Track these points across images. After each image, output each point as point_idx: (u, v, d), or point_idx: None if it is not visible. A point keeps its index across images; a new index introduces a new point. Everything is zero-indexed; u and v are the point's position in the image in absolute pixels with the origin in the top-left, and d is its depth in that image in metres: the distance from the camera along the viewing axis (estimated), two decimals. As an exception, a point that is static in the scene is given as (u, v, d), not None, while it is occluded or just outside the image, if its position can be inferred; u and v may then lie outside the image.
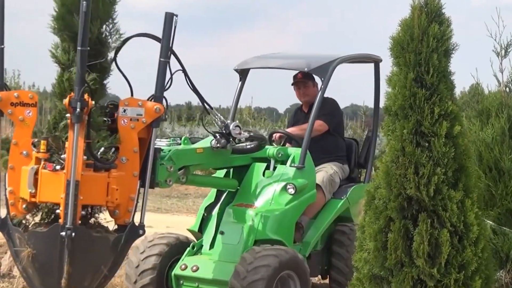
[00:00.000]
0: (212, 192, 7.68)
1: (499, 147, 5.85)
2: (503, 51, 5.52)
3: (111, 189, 5.40)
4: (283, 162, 7.46)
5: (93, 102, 5.38)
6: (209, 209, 7.54)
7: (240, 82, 8.41)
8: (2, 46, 5.63)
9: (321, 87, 7.72)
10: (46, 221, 5.70)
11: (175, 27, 5.62)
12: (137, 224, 5.57)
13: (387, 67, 4.55)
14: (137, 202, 5.56)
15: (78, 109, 5.19)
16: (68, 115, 5.29)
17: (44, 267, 5.32)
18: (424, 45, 4.37)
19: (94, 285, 5.45)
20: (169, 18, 5.57)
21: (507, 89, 5.81)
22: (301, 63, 8.06)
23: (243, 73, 8.42)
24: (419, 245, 4.25)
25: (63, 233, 5.11)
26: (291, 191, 7.16)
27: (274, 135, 8.10)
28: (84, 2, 5.13)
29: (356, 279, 4.54)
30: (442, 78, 4.38)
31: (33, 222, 5.74)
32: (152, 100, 5.61)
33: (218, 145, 6.84)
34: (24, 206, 5.47)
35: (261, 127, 35.73)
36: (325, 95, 8.05)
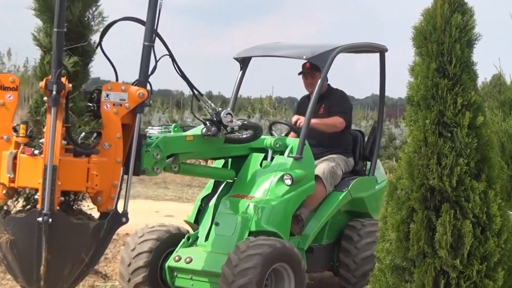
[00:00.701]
0: (210, 182, 7.74)
1: None
2: None
3: (91, 174, 5.41)
4: (281, 153, 7.46)
5: (71, 86, 5.35)
6: (206, 200, 7.57)
7: (241, 72, 8.46)
8: (62, 30, 5.47)
9: (321, 76, 7.75)
10: (28, 207, 5.68)
11: (159, 10, 5.65)
12: (120, 211, 5.58)
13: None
14: (121, 189, 5.60)
15: (54, 92, 5.19)
16: (45, 98, 5.32)
17: (23, 253, 5.33)
18: (446, 35, 4.35)
19: (74, 273, 5.44)
20: (154, 2, 5.62)
21: (530, 79, 5.83)
22: (301, 52, 8.03)
23: (244, 62, 8.49)
24: (442, 236, 4.25)
25: (40, 219, 5.13)
26: (288, 182, 7.15)
27: (298, 122, 7.94)
28: None
29: (378, 270, 4.54)
30: (465, 68, 4.37)
31: (14, 209, 5.73)
32: (136, 85, 5.64)
33: (208, 132, 6.81)
34: (4, 191, 5.51)
35: (282, 116, 35.90)
36: (336, 87, 8.38)
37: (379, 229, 4.58)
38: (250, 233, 6.94)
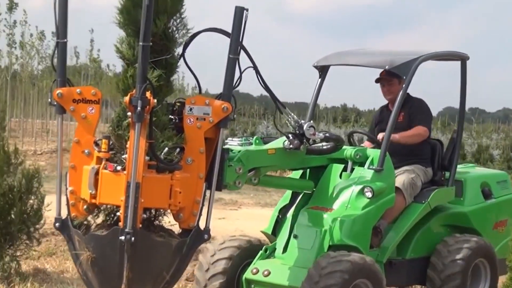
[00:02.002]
0: (287, 193, 7.57)
1: None
2: None
3: (174, 191, 5.25)
4: (361, 164, 7.28)
5: (155, 101, 5.22)
6: (283, 211, 7.44)
7: (320, 79, 8.26)
8: (65, 40, 5.48)
9: (403, 86, 7.50)
10: (108, 223, 5.59)
11: (245, 21, 5.49)
12: (202, 228, 5.45)
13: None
14: (203, 205, 5.43)
15: (139, 108, 5.06)
16: (129, 113, 5.18)
17: (104, 271, 5.23)
18: None
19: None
20: (239, 12, 5.44)
21: None
22: (382, 61, 7.78)
23: (323, 70, 8.25)
24: None
25: (122, 238, 5.01)
26: (369, 194, 6.97)
27: (379, 137, 7.73)
28: None
29: (509, 279, 4.56)
30: None
31: (94, 224, 5.62)
32: (220, 98, 5.47)
33: (291, 146, 6.68)
34: (85, 207, 5.38)
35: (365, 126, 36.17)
36: (415, 96, 8.11)
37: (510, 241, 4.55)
38: (330, 247, 6.80)
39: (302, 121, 6.81)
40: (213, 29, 5.77)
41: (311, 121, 6.98)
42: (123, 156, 5.28)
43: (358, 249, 6.79)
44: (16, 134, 29.85)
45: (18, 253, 8.36)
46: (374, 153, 7.26)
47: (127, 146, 5.26)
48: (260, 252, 7.06)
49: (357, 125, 40.75)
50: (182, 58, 5.98)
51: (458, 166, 9.64)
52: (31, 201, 8.43)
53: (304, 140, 6.75)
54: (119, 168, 5.18)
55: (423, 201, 7.52)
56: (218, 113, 5.37)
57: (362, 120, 45.49)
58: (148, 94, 5.12)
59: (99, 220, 5.66)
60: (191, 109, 5.37)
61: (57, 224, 5.40)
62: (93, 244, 5.20)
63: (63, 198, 5.50)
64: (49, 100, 5.51)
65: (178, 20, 5.74)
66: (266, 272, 6.82)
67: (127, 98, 5.13)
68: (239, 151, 6.31)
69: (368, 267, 6.58)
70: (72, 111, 5.35)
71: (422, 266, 7.53)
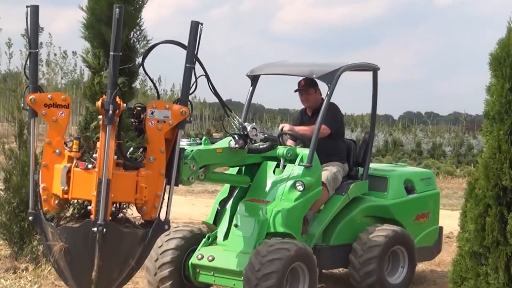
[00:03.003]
0: (226, 187, 7.39)
1: None
2: None
3: (139, 187, 5.07)
4: (292, 161, 7.09)
5: (125, 105, 5.08)
6: (223, 203, 7.23)
7: (251, 87, 8.00)
8: (36, 51, 5.29)
9: (327, 93, 7.31)
10: (77, 216, 5.46)
11: (200, 35, 5.25)
12: (162, 219, 5.26)
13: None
14: (163, 199, 5.28)
15: (110, 112, 4.88)
16: (100, 116, 4.98)
17: (75, 260, 4.98)
18: None
19: (122, 276, 5.18)
20: (195, 27, 5.21)
21: None
22: (309, 70, 7.63)
23: (254, 79, 8.01)
24: None
25: (95, 229, 4.82)
26: (300, 188, 6.81)
27: (284, 131, 7.58)
28: (117, 9, 4.82)
29: (459, 255, 4.54)
30: None
31: (64, 216, 5.45)
32: (178, 103, 5.29)
33: (236, 145, 6.57)
34: (56, 202, 5.13)
35: (379, 131, 36.29)
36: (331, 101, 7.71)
37: (460, 223, 4.56)
38: (268, 234, 6.66)
39: (246, 124, 6.72)
40: (170, 41, 5.49)
41: (254, 123, 6.89)
42: (94, 156, 5.08)
43: (292, 236, 6.68)
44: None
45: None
46: (303, 152, 7.11)
47: (97, 146, 5.09)
48: (203, 239, 6.87)
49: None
50: (142, 67, 5.78)
51: (389, 164, 9.77)
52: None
53: (248, 140, 6.68)
54: (90, 166, 5.00)
55: (343, 193, 7.39)
56: (177, 116, 5.19)
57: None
58: (118, 99, 4.97)
59: (67, 213, 5.57)
60: (152, 113, 5.15)
61: (30, 218, 5.16)
62: (66, 235, 4.94)
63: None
64: (22, 105, 5.36)
65: (138, 32, 5.64)
66: (210, 258, 6.66)
67: (99, 103, 4.93)
68: (192, 150, 6.17)
69: (303, 252, 6.49)
70: (44, 115, 5.14)
71: (345, 252, 7.30)
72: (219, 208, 7.24)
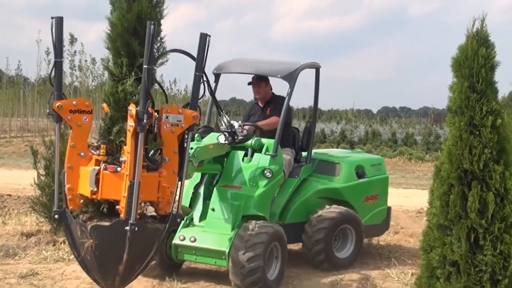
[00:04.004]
0: (197, 174, 7.04)
1: None
2: None
3: (162, 186, 4.83)
4: (257, 150, 6.88)
5: (156, 114, 4.76)
6: (196, 188, 6.96)
7: (215, 84, 7.60)
8: (61, 60, 4.91)
9: (288, 90, 7.06)
10: (103, 213, 5.01)
11: (208, 46, 4.94)
12: (174, 213, 4.99)
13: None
14: (176, 194, 4.99)
15: (144, 121, 4.58)
16: (131, 124, 4.63)
17: (104, 255, 4.71)
18: (475, 63, 4.37)
19: (142, 267, 4.96)
20: (203, 38, 4.91)
21: (536, 93, 5.78)
22: (275, 71, 7.29)
23: (217, 76, 7.62)
24: (472, 203, 4.29)
25: (128, 228, 4.54)
26: (269, 175, 6.65)
27: (245, 126, 7.12)
28: (152, 26, 4.53)
29: (427, 227, 4.54)
30: (489, 86, 4.37)
31: (84, 216, 5.07)
32: (187, 107, 4.99)
33: (226, 142, 6.47)
34: (82, 201, 4.82)
35: (360, 123, 36.37)
36: (279, 94, 7.65)
37: (428, 201, 4.54)
38: (243, 217, 6.47)
39: (233, 122, 6.59)
40: (178, 51, 5.16)
41: (240, 122, 6.74)
42: (122, 159, 4.75)
43: (264, 218, 6.56)
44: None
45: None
46: (267, 142, 6.93)
47: (123, 149, 4.78)
48: (182, 222, 6.55)
49: (320, 120, 40.50)
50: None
51: (346, 150, 9.53)
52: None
53: (235, 136, 6.57)
54: (118, 169, 4.71)
55: (296, 176, 7.22)
56: (189, 120, 4.90)
57: (324, 117, 45.18)
58: (149, 109, 4.70)
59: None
60: (167, 117, 4.83)
61: (56, 216, 4.83)
62: (96, 233, 4.66)
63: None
64: (47, 111, 4.97)
65: (158, 44, 5.26)
66: (192, 239, 6.40)
67: (133, 112, 4.61)
68: (192, 148, 5.85)
69: (277, 233, 6.38)
70: (69, 120, 4.81)
71: (299, 229, 7.07)
72: (193, 192, 6.98)
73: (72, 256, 7.10)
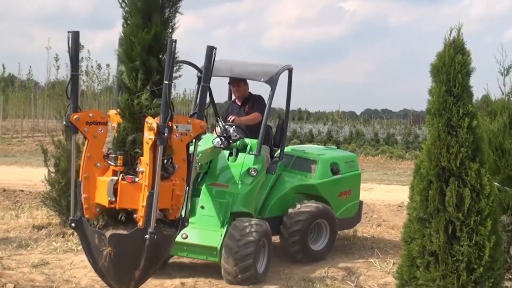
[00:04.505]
0: None
1: (502, 135, 5.72)
2: (505, 72, 5.45)
3: (175, 194, 4.66)
4: (241, 150, 6.75)
5: (176, 127, 4.55)
6: None
7: (197, 86, 7.01)
8: (77, 73, 4.67)
9: (270, 92, 6.83)
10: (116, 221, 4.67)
11: (214, 57, 4.71)
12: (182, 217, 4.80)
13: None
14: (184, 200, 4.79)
15: (165, 134, 4.39)
16: (150, 136, 4.42)
17: (122, 262, 4.49)
18: (452, 68, 4.38)
19: (154, 271, 4.76)
20: (210, 50, 4.70)
21: (508, 97, 5.78)
22: (258, 75, 7.06)
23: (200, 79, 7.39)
24: (450, 198, 4.30)
25: (147, 236, 4.36)
26: (253, 173, 6.53)
27: (230, 120, 7.02)
28: (173, 43, 4.38)
29: (408, 220, 4.54)
30: (465, 90, 4.38)
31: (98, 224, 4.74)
32: (194, 117, 4.73)
33: (222, 145, 6.32)
34: (97, 210, 4.61)
35: (345, 124, 36.45)
36: (256, 93, 7.48)
37: (409, 196, 4.54)
38: (231, 214, 6.30)
39: (227, 127, 6.44)
40: (186, 62, 4.96)
41: (234, 127, 6.54)
42: (140, 170, 4.55)
43: (251, 214, 6.46)
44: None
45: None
46: (251, 142, 6.79)
47: (141, 160, 4.59)
48: None
49: (308, 121, 40.50)
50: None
51: (321, 147, 9.16)
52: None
53: (230, 140, 6.43)
54: (136, 179, 4.51)
55: (273, 173, 7.04)
56: (197, 129, 4.67)
57: (311, 118, 45.20)
58: (169, 123, 4.47)
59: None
60: (177, 127, 4.60)
61: (72, 224, 4.60)
62: (115, 240, 4.44)
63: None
64: (64, 122, 4.73)
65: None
66: (184, 235, 6.12)
67: (155, 126, 4.39)
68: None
69: (266, 230, 6.23)
70: (86, 132, 4.58)
71: (277, 222, 6.89)
72: None
73: (80, 247, 7.16)
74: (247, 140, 6.84)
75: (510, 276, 5.79)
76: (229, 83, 7.58)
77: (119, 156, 4.62)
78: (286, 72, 7.44)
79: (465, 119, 4.35)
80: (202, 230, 6.24)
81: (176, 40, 4.44)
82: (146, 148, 4.49)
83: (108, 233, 4.47)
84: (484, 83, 5.87)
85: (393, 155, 26.27)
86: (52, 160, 8.50)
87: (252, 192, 6.56)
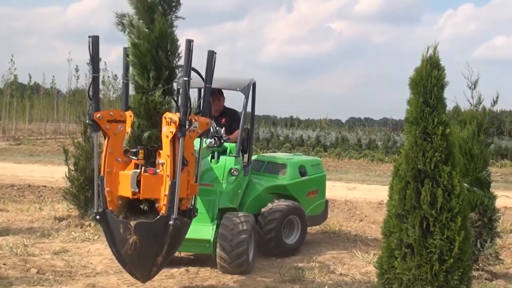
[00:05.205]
0: None
1: (471, 141, 5.74)
2: (472, 86, 5.49)
3: (190, 184, 4.55)
4: (221, 153, 6.56)
5: (195, 121, 4.43)
6: None
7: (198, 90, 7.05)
8: (98, 75, 4.50)
9: (244, 101, 6.56)
10: (128, 214, 4.54)
11: (214, 61, 4.60)
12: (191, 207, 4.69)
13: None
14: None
15: (186, 127, 4.30)
16: (171, 130, 4.31)
17: (146, 248, 4.35)
18: (429, 82, 4.38)
19: (171, 257, 4.63)
20: (211, 55, 4.56)
21: (476, 108, 5.80)
22: (234, 85, 6.75)
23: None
24: (424, 197, 4.28)
25: (171, 222, 4.25)
26: (235, 173, 6.39)
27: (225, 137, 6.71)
28: (191, 42, 4.30)
29: (387, 216, 4.49)
30: (439, 101, 4.38)
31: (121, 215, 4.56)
32: (200, 115, 4.65)
33: (215, 145, 6.30)
34: (120, 202, 4.47)
35: (332, 130, 36.39)
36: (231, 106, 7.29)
37: (388, 194, 4.49)
38: (219, 210, 6.14)
39: (218, 128, 6.39)
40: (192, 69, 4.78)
41: (224, 128, 6.49)
42: (160, 162, 4.42)
43: (236, 209, 6.33)
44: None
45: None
46: (230, 146, 6.63)
47: (160, 153, 4.46)
48: None
49: (299, 128, 40.46)
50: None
51: (289, 154, 9.01)
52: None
53: (221, 140, 6.42)
54: (158, 171, 4.39)
55: (246, 175, 6.78)
56: (203, 126, 4.60)
57: (302, 125, 45.16)
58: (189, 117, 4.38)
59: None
60: (195, 120, 4.50)
61: (97, 217, 4.43)
62: (140, 229, 4.29)
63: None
64: (88, 121, 4.54)
65: (177, 59, 4.80)
66: None
67: (176, 119, 4.29)
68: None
69: (253, 222, 6.08)
70: (107, 129, 4.44)
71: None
72: None
73: (96, 236, 7.16)
74: (226, 144, 6.70)
75: (477, 267, 5.79)
76: (212, 96, 7.12)
77: (140, 150, 4.49)
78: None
79: (439, 127, 4.34)
80: (194, 226, 5.93)
81: (193, 40, 4.33)
82: (166, 141, 4.37)
83: (132, 222, 4.31)
84: (453, 96, 5.93)
85: (374, 158, 26.30)
86: (72, 159, 8.49)
87: (235, 189, 6.44)
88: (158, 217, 4.31)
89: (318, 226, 8.37)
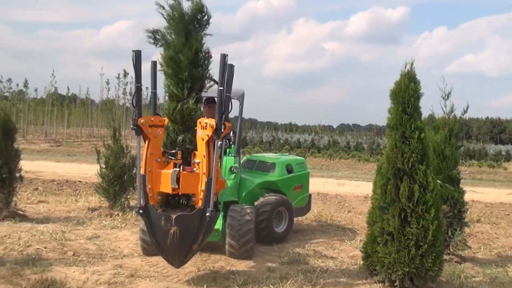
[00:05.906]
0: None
1: (443, 144, 5.69)
2: (446, 97, 5.46)
3: (219, 181, 4.41)
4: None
5: (231, 124, 4.35)
6: None
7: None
8: (140, 85, 4.35)
9: (239, 107, 6.32)
10: (163, 208, 4.48)
11: (226, 63, 4.26)
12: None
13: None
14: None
15: (222, 130, 4.19)
16: (208, 133, 4.21)
17: (185, 237, 4.27)
18: (406, 93, 4.39)
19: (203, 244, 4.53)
20: (223, 58, 4.25)
21: (448, 116, 5.76)
22: (231, 94, 6.69)
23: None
24: (403, 192, 4.32)
25: (208, 214, 4.19)
26: (235, 170, 6.23)
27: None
28: (226, 57, 4.19)
29: (371, 208, 4.55)
30: (416, 110, 4.41)
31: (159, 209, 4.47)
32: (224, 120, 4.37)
33: (226, 146, 6.08)
34: (159, 197, 4.40)
35: (325, 134, 36.23)
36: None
37: (372, 189, 4.52)
38: (224, 202, 5.87)
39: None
40: (211, 79, 4.62)
41: (231, 130, 6.12)
42: (197, 161, 4.31)
43: (237, 202, 6.17)
44: (127, 136, 29.54)
45: (128, 196, 8.17)
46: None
47: (195, 153, 4.37)
48: None
49: (296, 132, 40.48)
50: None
51: (277, 154, 8.73)
52: (134, 171, 8.07)
53: (230, 142, 6.28)
54: (194, 169, 4.30)
55: (239, 171, 6.52)
56: (227, 130, 4.38)
57: (299, 129, 45.16)
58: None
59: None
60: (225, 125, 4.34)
61: (140, 211, 4.35)
62: (180, 220, 4.22)
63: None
64: (132, 126, 4.43)
65: (205, 71, 4.69)
66: None
67: (213, 123, 4.17)
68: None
69: (254, 213, 5.93)
70: (149, 133, 4.36)
71: None
72: None
73: (124, 224, 7.16)
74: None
75: (448, 252, 5.77)
76: (206, 104, 6.58)
77: (178, 152, 4.43)
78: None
79: (416, 132, 4.37)
80: None
81: (227, 54, 4.22)
82: (202, 143, 4.30)
83: (173, 215, 4.24)
84: (430, 105, 5.92)
85: (361, 158, 26.24)
86: (103, 158, 8.47)
87: (236, 185, 6.29)
88: (196, 209, 4.24)
89: (312, 217, 8.34)
